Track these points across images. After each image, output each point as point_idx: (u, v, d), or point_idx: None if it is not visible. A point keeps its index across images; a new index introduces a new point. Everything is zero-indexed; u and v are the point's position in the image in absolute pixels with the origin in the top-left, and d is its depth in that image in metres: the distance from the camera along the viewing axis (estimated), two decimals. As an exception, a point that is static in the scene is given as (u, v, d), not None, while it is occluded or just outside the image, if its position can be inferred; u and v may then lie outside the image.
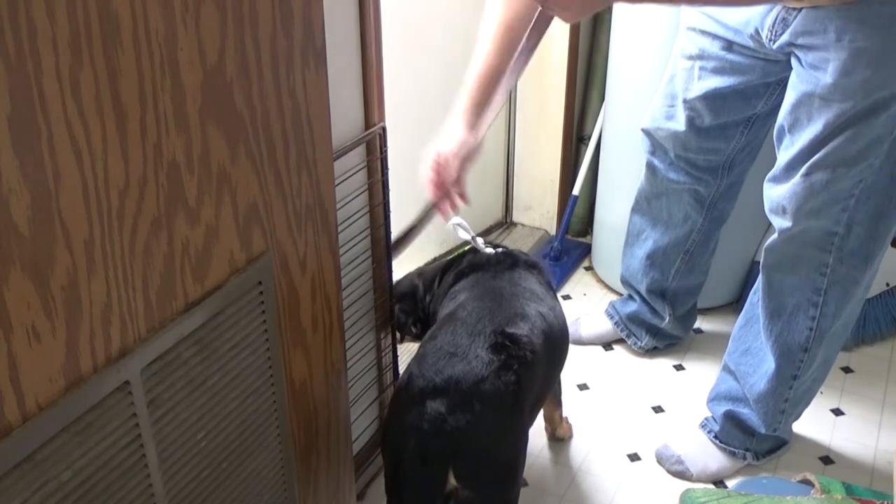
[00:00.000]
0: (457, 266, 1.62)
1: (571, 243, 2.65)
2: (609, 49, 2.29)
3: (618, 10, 2.18)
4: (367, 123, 1.48)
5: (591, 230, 2.61)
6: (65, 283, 0.79)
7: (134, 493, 0.93)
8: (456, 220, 1.59)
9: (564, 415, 1.91)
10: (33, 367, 0.78)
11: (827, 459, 1.89)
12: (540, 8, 1.42)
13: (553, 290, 1.63)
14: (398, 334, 1.74)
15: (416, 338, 1.71)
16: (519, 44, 1.51)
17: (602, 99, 2.42)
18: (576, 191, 2.52)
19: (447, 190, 1.54)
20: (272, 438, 1.17)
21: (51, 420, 0.81)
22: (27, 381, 0.77)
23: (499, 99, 1.55)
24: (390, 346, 1.75)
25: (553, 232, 2.67)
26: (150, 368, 0.92)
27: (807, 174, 1.51)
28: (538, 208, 2.69)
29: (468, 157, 1.53)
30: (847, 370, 2.15)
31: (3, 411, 0.76)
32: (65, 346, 0.81)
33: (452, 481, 1.23)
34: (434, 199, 1.56)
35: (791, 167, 1.54)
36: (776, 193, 1.58)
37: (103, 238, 0.82)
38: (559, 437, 1.91)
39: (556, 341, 1.49)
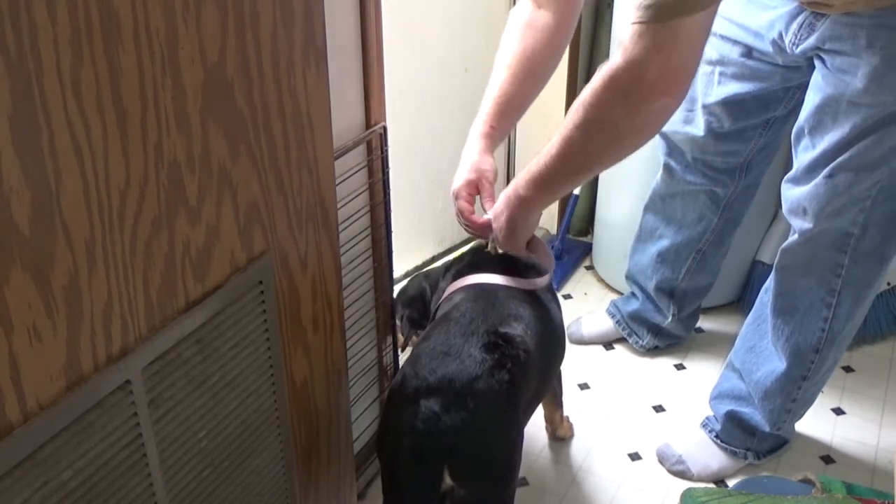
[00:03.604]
0: (457, 266, 1.61)
1: (572, 242, 2.65)
2: (610, 48, 2.29)
3: (618, 9, 2.18)
4: (368, 123, 1.48)
5: (592, 229, 2.61)
6: (66, 282, 0.79)
7: (135, 493, 0.93)
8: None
9: (565, 414, 1.91)
10: (34, 367, 0.78)
11: (828, 458, 1.89)
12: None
13: (552, 291, 1.62)
14: (402, 340, 1.74)
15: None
16: (538, 72, 1.53)
17: (603, 98, 2.42)
18: (576, 190, 2.52)
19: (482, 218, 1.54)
20: (273, 438, 1.17)
21: (52, 419, 0.81)
22: (28, 381, 0.77)
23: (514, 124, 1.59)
24: (391, 346, 1.74)
25: (554, 231, 2.67)
26: (151, 368, 0.92)
27: (830, 175, 1.50)
28: (539, 208, 2.69)
29: (493, 180, 1.54)
30: (848, 369, 2.15)
31: (4, 411, 0.76)
32: (66, 346, 0.81)
33: (448, 480, 1.23)
34: (475, 228, 1.54)
35: (812, 168, 1.53)
36: (796, 194, 1.58)
37: (104, 237, 0.82)
38: (560, 437, 1.91)
39: (552, 341, 1.49)
